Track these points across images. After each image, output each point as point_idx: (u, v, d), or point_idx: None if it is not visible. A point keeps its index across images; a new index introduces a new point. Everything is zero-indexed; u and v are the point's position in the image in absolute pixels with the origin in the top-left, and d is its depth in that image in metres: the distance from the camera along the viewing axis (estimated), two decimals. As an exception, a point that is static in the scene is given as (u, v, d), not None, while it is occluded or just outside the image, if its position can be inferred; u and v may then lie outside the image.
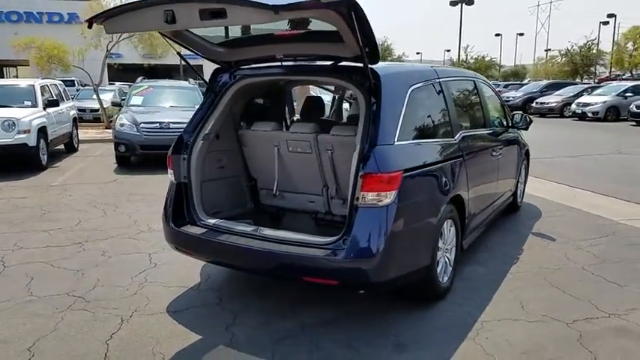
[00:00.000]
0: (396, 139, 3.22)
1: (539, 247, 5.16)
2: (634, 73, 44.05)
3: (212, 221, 3.70)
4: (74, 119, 12.23)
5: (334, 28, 3.10)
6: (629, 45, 45.69)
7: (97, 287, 4.16)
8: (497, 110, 5.73)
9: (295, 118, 4.93)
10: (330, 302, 3.82)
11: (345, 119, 4.46)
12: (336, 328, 3.45)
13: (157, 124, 9.63)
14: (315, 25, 3.21)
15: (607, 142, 13.94)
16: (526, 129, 5.83)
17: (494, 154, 4.92)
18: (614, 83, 26.62)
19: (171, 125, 9.59)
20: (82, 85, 25.76)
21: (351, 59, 3.38)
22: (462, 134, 4.17)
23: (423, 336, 3.37)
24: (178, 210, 3.82)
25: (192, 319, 3.58)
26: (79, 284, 4.22)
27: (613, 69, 44.62)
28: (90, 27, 3.02)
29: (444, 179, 3.60)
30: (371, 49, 3.08)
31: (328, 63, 3.56)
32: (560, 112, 23.79)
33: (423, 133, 3.69)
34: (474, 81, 5.01)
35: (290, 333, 3.38)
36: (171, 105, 10.89)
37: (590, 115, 20.98)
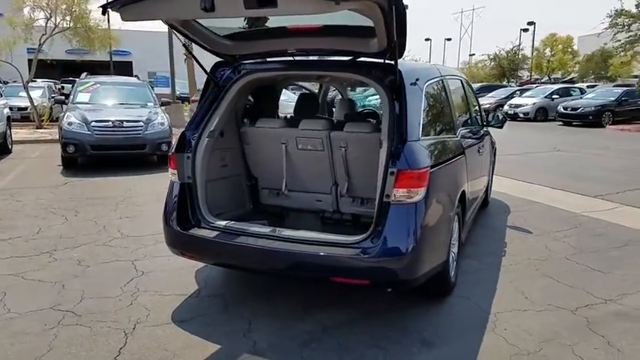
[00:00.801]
0: (420, 135, 3.22)
1: (519, 240, 5.37)
2: (551, 77, 47.33)
3: (222, 223, 3.52)
4: (8, 118, 11.25)
5: (354, 23, 3.04)
6: (547, 51, 49.14)
7: (85, 299, 3.82)
8: (477, 108, 5.92)
9: (289, 116, 4.80)
10: (341, 303, 3.75)
11: (342, 116, 4.40)
12: (357, 328, 3.38)
13: (110, 123, 9.06)
14: (331, 18, 3.13)
15: (543, 141, 14.86)
16: (501, 127, 6.06)
17: (480, 150, 5.08)
18: (542, 86, 28.42)
19: (125, 124, 9.08)
20: (3, 82, 23.82)
21: (371, 55, 3.33)
22: (461, 131, 4.25)
23: (445, 331, 3.39)
24: (183, 212, 3.60)
25: (203, 328, 3.38)
26: (62, 297, 3.87)
27: (533, 73, 47.70)
28: (104, 13, 2.76)
29: (457, 175, 3.65)
30: (400, 45, 3.05)
31: (345, 58, 3.49)
32: (493, 112, 25.03)
33: (436, 129, 3.72)
34: (461, 80, 5.14)
35: (312, 336, 3.28)
36: (121, 102, 10.31)
37: (521, 115, 22.28)
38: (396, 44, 2.97)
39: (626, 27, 20.81)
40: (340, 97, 5.90)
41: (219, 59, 3.82)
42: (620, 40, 21.79)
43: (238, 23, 3.60)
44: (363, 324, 3.44)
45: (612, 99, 20.49)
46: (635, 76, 36.55)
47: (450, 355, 3.10)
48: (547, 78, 46.69)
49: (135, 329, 3.36)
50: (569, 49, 49.20)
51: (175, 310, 3.65)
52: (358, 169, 3.78)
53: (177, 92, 19.90)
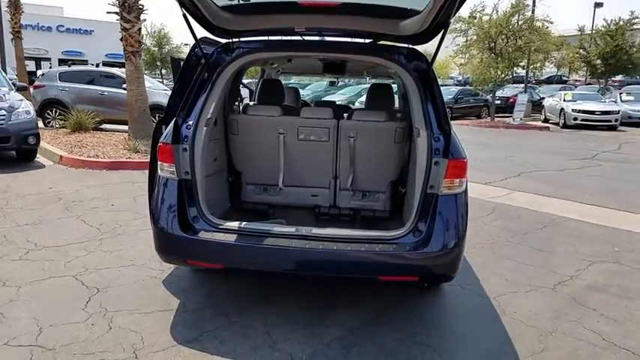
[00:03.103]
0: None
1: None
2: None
3: (234, 224, 3.05)
4: None
5: (379, 2, 2.86)
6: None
7: (46, 329, 3.04)
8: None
9: (252, 103, 4.37)
10: (349, 302, 3.55)
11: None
12: (385, 327, 3.23)
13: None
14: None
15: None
16: None
17: None
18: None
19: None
20: None
21: (394, 38, 3.17)
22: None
23: (466, 320, 3.42)
24: (183, 214, 3.04)
25: (221, 346, 2.92)
26: (9, 330, 3.02)
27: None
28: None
29: None
30: (436, 28, 2.94)
31: (363, 40, 3.27)
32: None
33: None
34: None
35: (347, 341, 3.04)
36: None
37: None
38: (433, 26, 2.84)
39: (463, 32, 23.45)
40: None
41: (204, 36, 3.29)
42: (459, 45, 24.49)
43: None
44: (386, 321, 3.30)
45: (450, 97, 22.91)
46: (451, 78, 41.42)
47: (490, 344, 3.13)
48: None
49: (138, 358, 2.76)
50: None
51: (173, 330, 3.09)
52: (366, 160, 3.60)
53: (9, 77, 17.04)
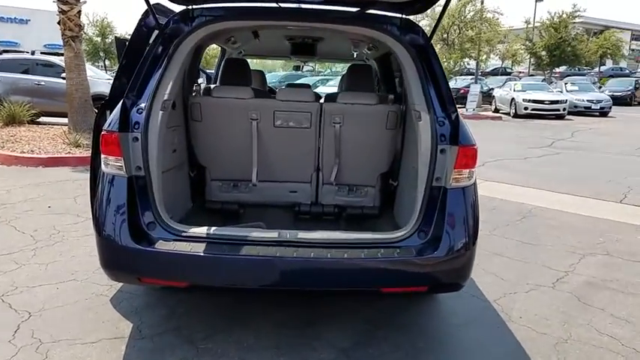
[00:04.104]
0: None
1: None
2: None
3: (201, 230, 2.48)
4: None
5: None
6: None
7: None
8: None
9: (212, 86, 3.76)
10: (331, 317, 3.08)
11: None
12: (382, 344, 2.76)
13: None
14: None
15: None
16: None
17: None
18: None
19: None
20: None
21: (383, 6, 2.68)
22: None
23: (471, 330, 3.01)
24: (134, 220, 2.44)
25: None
26: None
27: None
28: None
29: None
30: None
31: (349, 9, 2.75)
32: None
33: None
34: None
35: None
36: None
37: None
38: None
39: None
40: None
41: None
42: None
43: None
44: (383, 336, 2.84)
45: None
46: None
47: (503, 358, 2.73)
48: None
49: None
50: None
51: (139, 362, 2.49)
52: (353, 149, 3.11)
53: None
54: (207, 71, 5.33)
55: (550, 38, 27.39)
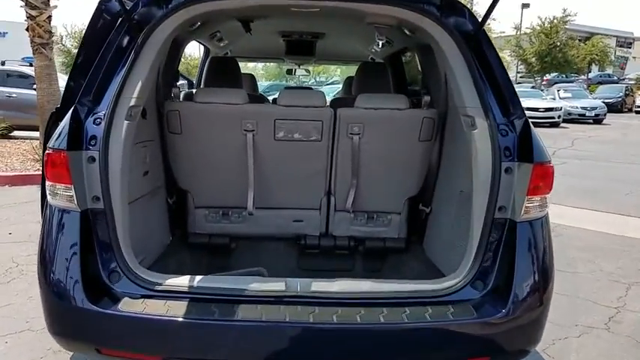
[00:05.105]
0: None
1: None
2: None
3: (183, 281, 1.84)
4: None
5: None
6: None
7: None
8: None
9: (195, 90, 3.12)
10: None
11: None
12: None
13: None
14: None
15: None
16: None
17: None
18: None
19: None
20: None
21: None
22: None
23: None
24: (91, 270, 1.80)
25: None
26: None
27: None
28: None
29: None
30: None
31: None
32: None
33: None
34: None
35: None
36: None
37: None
38: None
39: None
40: None
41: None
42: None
43: None
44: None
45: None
46: None
47: None
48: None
49: None
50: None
51: None
52: (375, 167, 2.49)
53: None
54: (189, 78, 4.67)
55: (541, 44, 27.16)
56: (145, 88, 2.00)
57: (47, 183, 1.90)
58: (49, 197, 1.91)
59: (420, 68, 3.11)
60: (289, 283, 1.86)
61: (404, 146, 2.42)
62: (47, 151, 1.88)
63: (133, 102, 1.94)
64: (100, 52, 1.96)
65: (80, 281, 1.77)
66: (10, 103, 10.65)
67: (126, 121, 1.91)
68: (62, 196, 1.86)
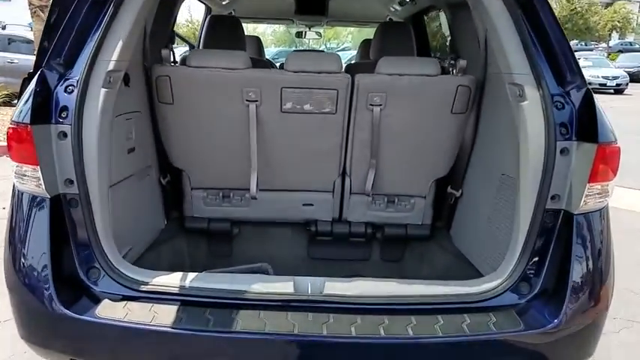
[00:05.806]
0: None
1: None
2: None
3: (173, 279, 1.57)
4: None
5: None
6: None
7: None
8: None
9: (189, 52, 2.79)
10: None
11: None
12: None
13: None
14: None
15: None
16: None
17: None
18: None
19: None
20: None
21: None
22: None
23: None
24: (64, 267, 1.54)
25: None
26: None
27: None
28: None
29: None
30: None
31: None
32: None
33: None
34: None
35: None
36: None
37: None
38: None
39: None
40: None
41: None
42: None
43: None
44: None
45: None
46: None
47: None
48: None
49: None
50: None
51: None
52: (399, 144, 2.16)
53: None
54: (193, 44, 4.31)
55: (562, 9, 26.11)
56: (126, 49, 1.67)
57: (12, 164, 1.61)
58: (15, 181, 1.63)
59: (449, 29, 2.74)
60: (298, 283, 1.57)
61: (433, 120, 2.08)
62: (10, 126, 1.58)
63: (112, 65, 1.62)
64: (73, 5, 1.63)
65: (51, 281, 1.50)
66: (12, 70, 10.34)
67: (104, 89, 1.60)
68: (29, 178, 1.57)
